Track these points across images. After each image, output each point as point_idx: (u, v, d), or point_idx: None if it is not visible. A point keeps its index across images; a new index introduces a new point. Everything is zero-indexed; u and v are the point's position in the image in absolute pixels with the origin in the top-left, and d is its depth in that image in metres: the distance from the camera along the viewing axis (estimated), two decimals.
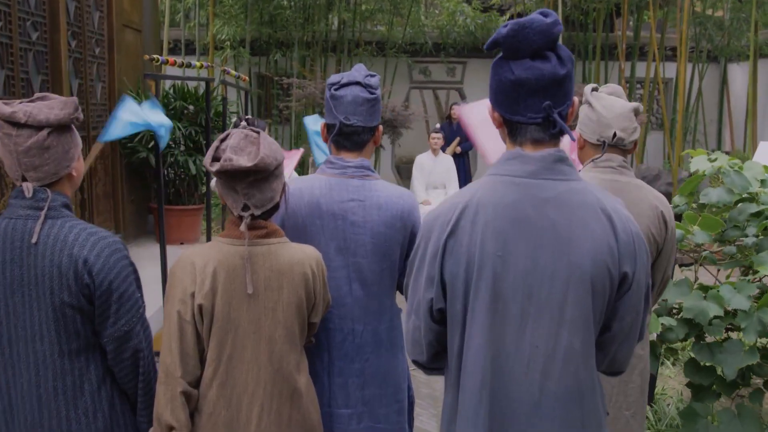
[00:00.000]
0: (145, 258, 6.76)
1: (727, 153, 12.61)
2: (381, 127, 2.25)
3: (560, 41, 1.52)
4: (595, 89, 2.58)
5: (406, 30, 12.37)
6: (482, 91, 12.87)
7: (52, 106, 1.87)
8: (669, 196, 9.98)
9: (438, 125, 10.17)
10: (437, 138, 8.67)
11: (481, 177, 1.59)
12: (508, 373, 1.48)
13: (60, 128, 1.87)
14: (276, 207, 1.92)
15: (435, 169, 8.74)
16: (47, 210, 1.83)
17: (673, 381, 4.32)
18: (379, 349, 2.18)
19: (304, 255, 1.92)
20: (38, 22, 5.97)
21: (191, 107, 7.84)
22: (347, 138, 2.16)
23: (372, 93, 2.16)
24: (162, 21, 10.43)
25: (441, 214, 1.56)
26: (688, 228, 3.10)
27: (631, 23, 12.54)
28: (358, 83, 2.15)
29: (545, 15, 1.49)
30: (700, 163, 3.47)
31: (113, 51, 7.53)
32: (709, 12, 12.55)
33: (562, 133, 1.51)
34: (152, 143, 7.56)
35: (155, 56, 4.48)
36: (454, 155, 9.86)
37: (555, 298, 1.46)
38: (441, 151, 8.82)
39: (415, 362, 1.71)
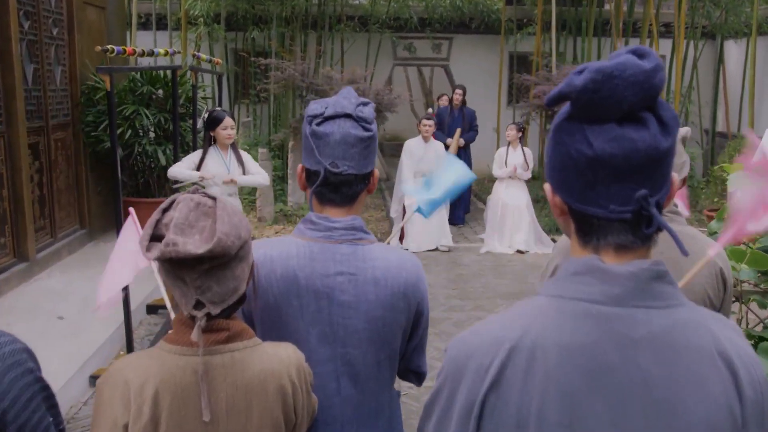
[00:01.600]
0: None
1: (722, 134, 12.23)
2: (377, 171, 1.74)
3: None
4: None
5: (390, 4, 11.75)
6: (468, 69, 12.37)
7: None
8: None
9: (430, 110, 9.60)
10: (429, 125, 8.16)
11: (536, 297, 1.10)
12: None
13: None
14: (242, 300, 1.43)
15: (425, 156, 8.25)
16: None
17: None
18: None
19: (279, 363, 1.43)
20: None
21: (160, 92, 7.24)
22: (334, 190, 1.64)
23: (367, 129, 1.64)
24: None
25: (476, 350, 1.06)
26: (735, 265, 2.66)
27: None
28: (348, 116, 1.62)
29: (641, 56, 0.99)
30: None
31: (73, 31, 6.90)
32: None
33: (659, 230, 1.03)
34: (118, 132, 6.97)
35: (109, 47, 3.91)
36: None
37: None
38: (432, 138, 8.31)
39: None
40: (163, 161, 7.13)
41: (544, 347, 1.00)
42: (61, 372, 4.25)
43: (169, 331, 1.43)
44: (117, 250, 2.31)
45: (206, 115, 4.94)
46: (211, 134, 4.97)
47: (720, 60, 12.34)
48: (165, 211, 1.37)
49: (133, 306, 4.69)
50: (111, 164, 7.26)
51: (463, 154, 9.21)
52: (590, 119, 1.00)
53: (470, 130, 9.40)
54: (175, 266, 1.33)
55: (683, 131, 2.16)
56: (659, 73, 0.98)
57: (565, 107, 1.06)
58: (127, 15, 9.53)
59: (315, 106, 1.67)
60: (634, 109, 0.98)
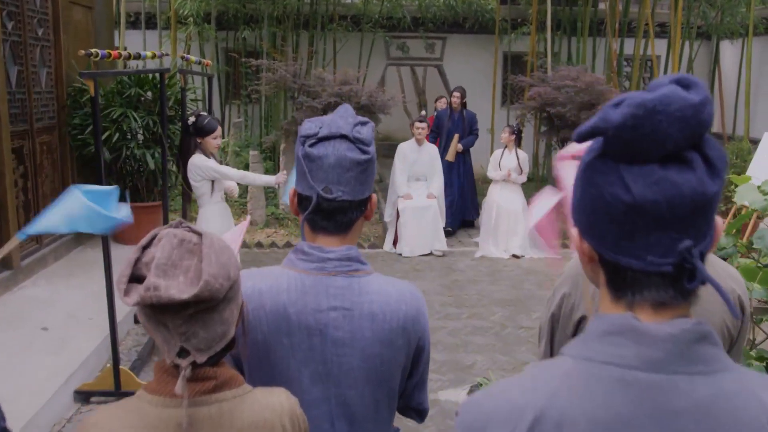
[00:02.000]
0: (100, 262, 6.08)
1: (717, 135, 12.17)
2: (374, 197, 1.61)
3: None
4: None
5: (383, 4, 11.61)
6: (462, 69, 12.25)
7: None
8: None
9: (423, 112, 9.42)
10: (422, 128, 8.02)
11: (560, 357, 0.97)
12: None
13: None
14: (231, 345, 1.30)
15: (419, 159, 8.13)
16: None
17: None
18: None
19: (272, 412, 1.30)
20: None
21: (149, 94, 7.08)
22: (328, 217, 1.52)
23: (364, 152, 1.51)
24: None
25: (493, 418, 0.92)
26: (746, 284, 2.55)
27: None
28: (343, 137, 1.49)
29: (686, 86, 0.87)
30: (747, 194, 2.89)
31: (59, 32, 6.73)
32: None
33: (702, 283, 0.91)
34: (105, 135, 6.82)
35: (93, 51, 3.76)
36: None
37: None
38: (425, 140, 8.18)
39: None
40: (151, 165, 6.98)
41: (573, 419, 0.88)
42: (46, 387, 4.11)
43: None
44: None
45: (193, 120, 4.80)
46: (198, 140, 4.84)
47: (715, 60, 12.28)
48: (145, 248, 1.24)
49: (119, 316, 4.55)
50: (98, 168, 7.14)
51: (462, 159, 8.97)
52: (628, 159, 0.88)
53: (470, 134, 9.01)
54: (157, 311, 1.20)
55: None
56: (708, 107, 0.86)
57: (595, 142, 0.93)
58: (116, 14, 9.35)
59: (309, 125, 1.54)
60: (679, 148, 0.86)
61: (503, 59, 12.32)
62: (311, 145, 1.50)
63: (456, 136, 8.81)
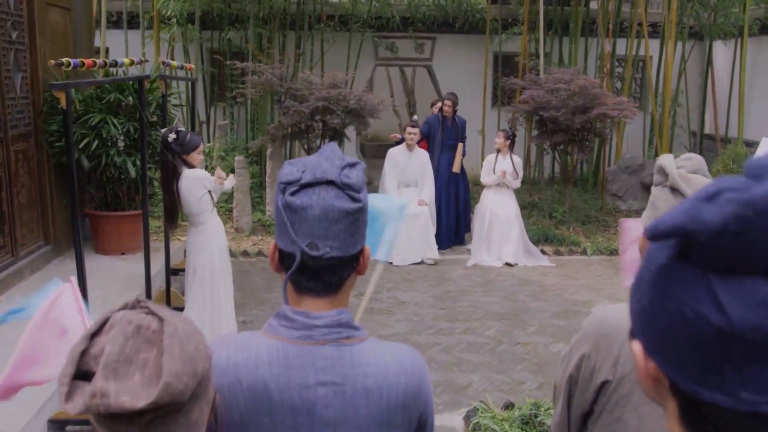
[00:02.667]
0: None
1: (710, 137, 12.03)
2: (368, 249, 1.39)
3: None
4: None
5: (371, 3, 11.38)
6: (452, 69, 12.05)
7: None
8: None
9: (415, 117, 9.17)
10: (413, 133, 7.81)
11: None
12: None
13: None
14: None
15: (409, 164, 7.92)
16: None
17: None
18: None
19: None
20: None
21: (129, 99, 6.81)
22: (314, 277, 1.29)
23: (355, 199, 1.28)
24: None
25: None
26: None
27: None
28: (330, 183, 1.27)
29: None
30: None
31: (35, 34, 6.44)
32: None
33: None
34: (84, 142, 6.56)
35: (64, 60, 3.52)
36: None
37: None
38: (416, 146, 7.97)
39: None
40: (132, 173, 6.71)
41: None
42: (18, 415, 3.87)
43: None
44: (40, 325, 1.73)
45: (174, 137, 4.58)
46: (185, 157, 4.65)
47: (708, 61, 12.13)
48: (94, 336, 1.02)
49: None
50: (77, 178, 6.86)
51: (461, 170, 8.65)
52: (722, 268, 0.66)
53: (463, 137, 8.69)
54: (107, 419, 0.98)
55: (665, 163, 1.75)
56: None
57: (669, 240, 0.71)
58: (97, 14, 9.06)
59: (289, 170, 1.31)
60: None
61: (494, 60, 12.12)
62: (292, 194, 1.27)
63: (460, 146, 8.47)
